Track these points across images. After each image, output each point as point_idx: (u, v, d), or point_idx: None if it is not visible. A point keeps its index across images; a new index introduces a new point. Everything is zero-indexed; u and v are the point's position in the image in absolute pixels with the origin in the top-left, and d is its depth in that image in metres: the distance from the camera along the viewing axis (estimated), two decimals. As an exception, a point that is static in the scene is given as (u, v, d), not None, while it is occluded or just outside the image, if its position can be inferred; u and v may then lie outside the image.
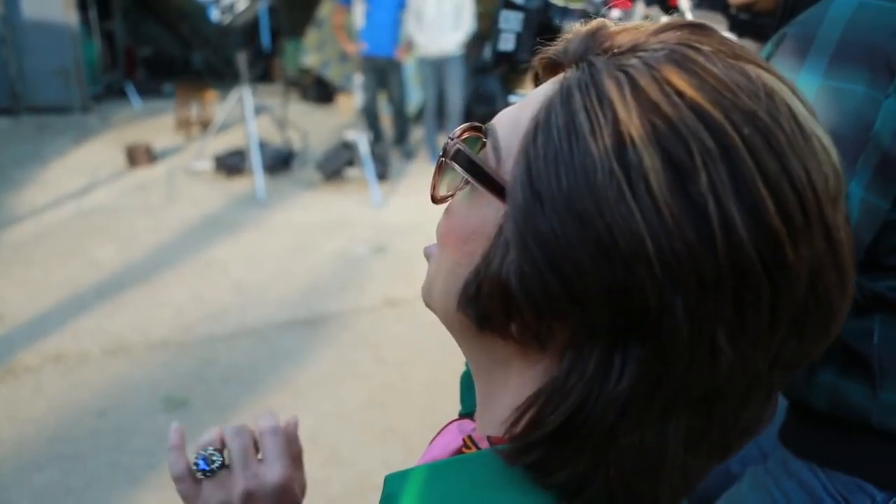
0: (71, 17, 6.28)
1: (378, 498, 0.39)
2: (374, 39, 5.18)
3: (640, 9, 1.09)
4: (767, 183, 0.30)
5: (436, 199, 0.43)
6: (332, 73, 7.38)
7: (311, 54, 7.44)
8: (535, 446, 0.34)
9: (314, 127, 6.11)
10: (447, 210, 0.41)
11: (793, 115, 0.32)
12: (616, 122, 0.31)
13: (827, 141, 0.33)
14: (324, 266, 3.56)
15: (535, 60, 0.39)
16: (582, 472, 0.33)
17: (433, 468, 0.38)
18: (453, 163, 0.38)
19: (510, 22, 1.10)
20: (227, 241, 3.81)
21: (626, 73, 0.32)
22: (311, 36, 7.42)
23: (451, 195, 0.42)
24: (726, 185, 0.29)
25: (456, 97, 5.51)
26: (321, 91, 7.68)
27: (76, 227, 3.84)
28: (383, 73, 5.41)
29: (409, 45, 5.48)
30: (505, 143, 0.36)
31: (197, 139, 5.66)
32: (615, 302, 0.31)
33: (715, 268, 0.30)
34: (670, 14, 1.05)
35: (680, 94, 0.31)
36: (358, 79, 5.12)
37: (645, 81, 0.31)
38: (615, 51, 0.34)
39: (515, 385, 0.37)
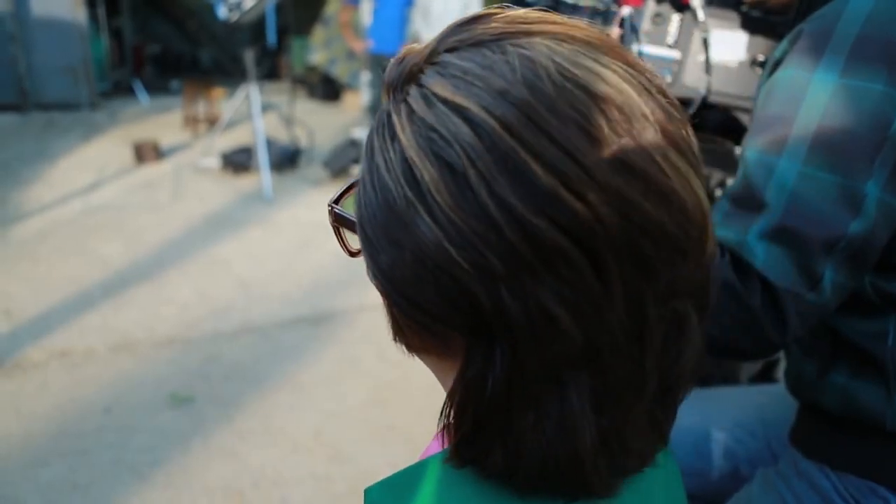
0: (79, 15, 6.30)
1: None
2: (380, 37, 5.18)
3: (651, 6, 1.08)
4: (529, 150, 0.31)
5: (353, 254, 0.48)
6: (339, 71, 7.39)
7: (318, 52, 7.44)
8: (461, 448, 0.38)
9: (321, 124, 6.11)
10: None
11: (550, 70, 0.33)
12: (401, 150, 0.34)
13: (615, 72, 0.34)
14: (329, 264, 3.56)
15: (383, 86, 0.42)
16: (502, 458, 0.36)
17: (404, 473, 0.41)
18: (338, 225, 0.45)
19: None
20: (233, 239, 3.81)
21: (406, 103, 0.36)
22: (318, 33, 7.42)
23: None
24: (493, 170, 0.32)
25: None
26: (328, 88, 7.68)
27: (83, 224, 3.85)
28: (390, 71, 5.41)
29: (416, 43, 5.48)
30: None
31: (204, 136, 5.67)
32: (457, 307, 0.34)
33: (512, 249, 0.32)
34: (682, 12, 1.04)
35: (442, 100, 0.34)
36: (365, 76, 5.13)
37: (416, 103, 0.35)
38: (413, 72, 0.37)
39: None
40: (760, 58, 1.00)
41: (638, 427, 0.37)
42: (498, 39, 0.35)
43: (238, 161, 4.89)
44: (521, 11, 0.38)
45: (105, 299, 2.99)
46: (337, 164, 4.91)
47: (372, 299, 3.14)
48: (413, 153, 0.34)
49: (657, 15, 1.07)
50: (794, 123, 0.66)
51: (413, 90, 0.36)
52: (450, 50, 0.37)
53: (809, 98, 0.66)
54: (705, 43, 0.99)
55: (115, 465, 1.98)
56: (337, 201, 0.46)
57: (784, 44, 0.73)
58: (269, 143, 4.85)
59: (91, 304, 2.94)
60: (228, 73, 8.56)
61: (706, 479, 0.99)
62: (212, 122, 5.88)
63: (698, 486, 0.98)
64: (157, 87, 7.64)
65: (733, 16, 1.02)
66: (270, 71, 8.42)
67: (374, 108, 5.37)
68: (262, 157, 4.58)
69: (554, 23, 0.36)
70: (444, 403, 0.38)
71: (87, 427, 2.14)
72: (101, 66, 7.07)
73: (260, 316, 2.94)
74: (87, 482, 1.91)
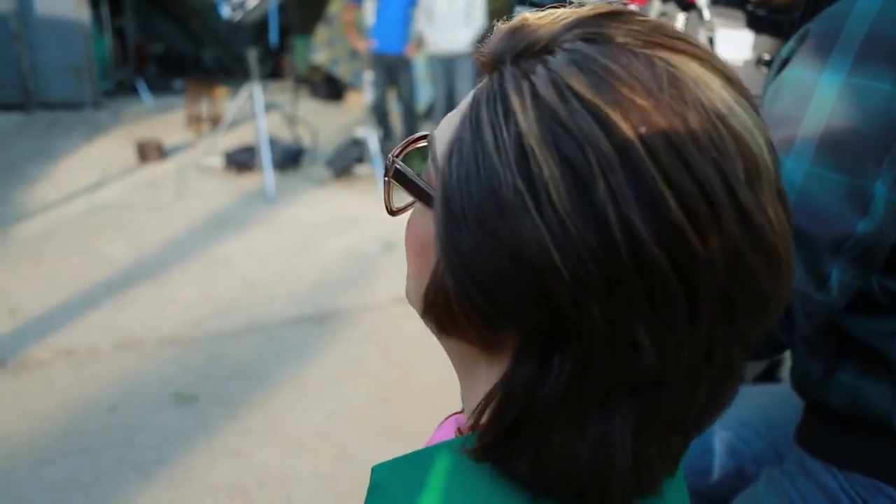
0: (83, 14, 6.31)
1: None
2: (384, 36, 5.17)
3: (657, 6, 1.07)
4: (667, 179, 0.30)
5: (392, 212, 0.45)
6: (342, 70, 7.39)
7: (321, 51, 7.45)
8: (492, 446, 0.36)
9: (324, 124, 6.11)
10: (408, 220, 0.43)
11: (699, 102, 0.31)
12: (518, 135, 0.32)
13: (748, 120, 0.33)
14: (332, 263, 3.56)
15: (476, 61, 0.39)
16: (533, 463, 0.35)
17: (414, 456, 0.40)
18: (395, 181, 0.40)
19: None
20: (237, 238, 3.82)
21: (529, 81, 0.33)
22: (321, 33, 7.43)
23: (409, 206, 0.44)
24: (624, 188, 0.30)
25: (466, 94, 5.50)
26: (331, 88, 7.69)
27: (86, 223, 3.85)
28: (393, 70, 5.40)
29: (420, 42, 5.47)
30: (441, 155, 0.38)
31: (207, 136, 5.67)
32: (536, 309, 0.32)
33: (621, 270, 0.31)
34: (688, 11, 1.04)
35: (579, 97, 0.31)
36: (368, 76, 5.12)
37: (545, 89, 0.32)
38: (533, 49, 0.34)
39: (484, 382, 0.38)
40: (766, 57, 1.00)
41: (666, 455, 0.37)
42: (642, 46, 0.33)
43: (241, 160, 4.89)
44: (656, 20, 0.35)
45: (109, 298, 2.99)
46: (340, 164, 4.91)
47: (375, 299, 3.14)
48: (534, 142, 0.31)
49: (663, 14, 1.07)
50: (801, 123, 0.66)
51: (540, 71, 0.33)
52: (586, 40, 0.33)
53: (817, 98, 0.66)
54: (711, 42, 0.99)
55: (119, 463, 1.99)
56: (399, 154, 0.42)
57: (791, 43, 0.72)
58: (272, 143, 4.85)
59: (95, 303, 2.94)
60: (231, 73, 8.57)
61: (711, 477, 0.99)
62: (215, 121, 5.89)
63: (703, 485, 0.98)
64: (161, 87, 7.65)
65: (739, 15, 1.02)
66: (273, 70, 8.43)
67: (376, 108, 5.36)
68: (266, 157, 4.59)
69: (695, 45, 0.34)
70: (478, 404, 0.37)
71: (92, 426, 2.14)
72: (104, 66, 7.09)
73: (263, 315, 2.94)
74: (92, 480, 1.91)
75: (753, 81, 1.00)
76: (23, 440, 2.06)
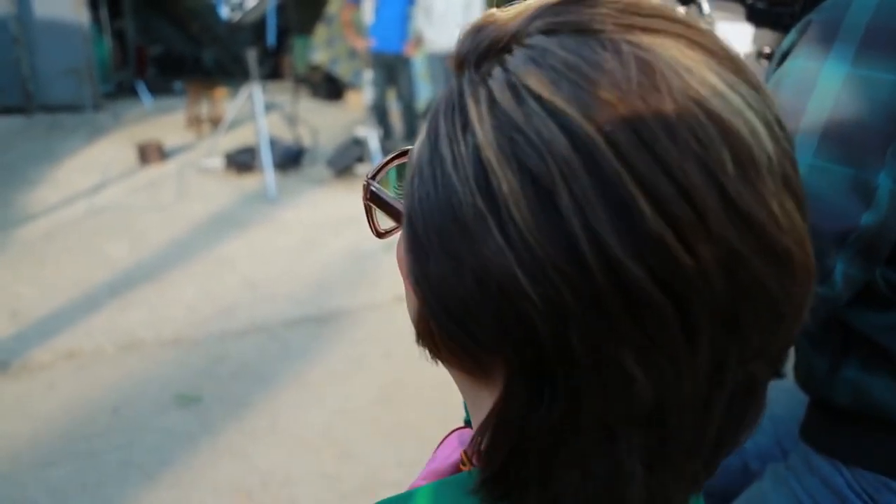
0: (82, 17, 6.32)
1: (390, 494, 0.39)
2: (382, 35, 5.17)
3: (656, -1, 1.07)
4: (639, 182, 0.26)
5: (380, 235, 0.43)
6: (342, 70, 7.38)
7: (320, 51, 7.44)
8: (491, 483, 0.33)
9: (324, 123, 6.11)
10: (397, 242, 0.41)
11: (675, 89, 0.27)
12: (476, 147, 0.29)
13: (738, 101, 0.28)
14: (334, 262, 3.56)
15: (449, 64, 0.35)
16: (539, 499, 0.32)
17: (416, 494, 0.37)
18: (371, 203, 0.39)
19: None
20: (238, 238, 3.82)
21: (486, 87, 0.30)
22: (320, 32, 7.42)
23: (394, 229, 0.42)
24: (590, 196, 0.26)
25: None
26: (331, 88, 7.68)
27: (88, 225, 3.86)
28: (392, 69, 5.40)
29: (418, 41, 5.47)
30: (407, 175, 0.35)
31: (207, 137, 5.68)
32: (511, 337, 0.29)
33: (596, 292, 0.27)
34: (687, 5, 1.03)
35: (537, 97, 0.28)
36: (367, 75, 5.12)
37: (501, 93, 0.29)
38: (496, 48, 0.31)
39: (486, 407, 0.36)
40: (766, 50, 0.99)
41: (683, 482, 0.34)
42: (609, 31, 0.29)
43: (241, 161, 4.89)
44: None
45: (111, 300, 3.00)
46: (340, 163, 4.91)
47: (377, 298, 3.14)
48: (491, 154, 0.28)
49: (662, 8, 1.06)
50: (803, 115, 0.65)
51: (497, 73, 0.30)
52: (546, 32, 0.30)
53: (819, 89, 0.65)
54: (711, 36, 0.98)
55: (123, 465, 1.99)
56: (374, 176, 0.39)
57: (792, 34, 0.72)
58: (273, 143, 4.85)
59: (97, 304, 2.94)
60: (231, 74, 8.56)
61: (715, 474, 0.98)
62: (215, 122, 5.89)
63: (707, 482, 0.98)
64: (160, 88, 7.66)
65: (738, 8, 1.01)
66: (273, 70, 8.42)
67: (376, 107, 5.36)
68: (266, 157, 4.59)
69: (674, 21, 0.30)
70: (476, 431, 0.34)
71: (95, 427, 2.15)
72: (104, 68, 7.09)
73: (266, 315, 2.94)
74: (96, 482, 1.92)
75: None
76: (26, 442, 2.06)
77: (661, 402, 0.29)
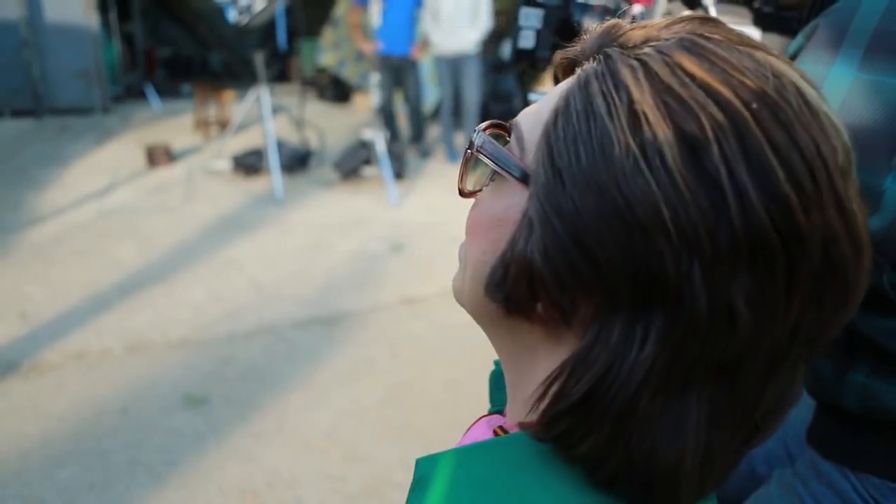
0: (92, 20, 6.36)
1: (396, 495, 0.39)
2: (389, 38, 5.18)
3: (663, 4, 1.07)
4: (777, 152, 0.31)
5: (463, 193, 0.44)
6: (349, 73, 7.40)
7: (327, 54, 7.47)
8: (559, 417, 0.35)
9: (331, 126, 6.13)
10: (475, 203, 0.43)
11: (800, 93, 0.33)
12: (631, 102, 0.32)
13: (835, 119, 0.34)
14: (341, 264, 3.57)
15: (555, 62, 0.40)
16: (604, 443, 0.34)
17: (464, 451, 0.39)
18: (480, 154, 0.40)
19: (530, 19, 1.09)
20: (245, 241, 3.83)
21: (640, 60, 0.34)
22: (328, 35, 7.45)
23: (479, 190, 0.44)
24: (737, 156, 0.30)
25: (472, 95, 5.50)
26: (338, 90, 7.71)
27: (97, 227, 3.88)
28: (399, 72, 5.41)
29: (425, 44, 5.48)
30: (528, 136, 0.38)
31: (215, 139, 5.70)
32: (635, 271, 0.32)
33: (730, 235, 0.31)
34: (694, 9, 1.03)
35: (691, 75, 0.32)
36: (374, 78, 5.12)
37: (657, 66, 0.33)
38: (632, 42, 0.36)
39: (543, 369, 0.38)
40: (774, 54, 0.99)
41: (730, 453, 0.36)
42: (743, 45, 0.34)
43: (249, 163, 4.91)
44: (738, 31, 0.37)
45: (120, 301, 3.01)
46: (347, 166, 4.92)
47: (384, 300, 3.15)
48: (649, 111, 0.32)
49: (668, 13, 1.06)
50: None
51: (651, 52, 0.34)
52: (691, 33, 0.35)
53: (826, 93, 0.65)
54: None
55: (130, 465, 2.00)
56: (486, 129, 0.42)
57: (799, 38, 0.72)
58: (280, 145, 4.87)
59: (106, 306, 2.96)
60: (239, 76, 8.61)
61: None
62: (223, 124, 5.92)
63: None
64: (169, 91, 7.70)
65: (745, 12, 1.01)
66: (280, 73, 8.46)
67: (383, 110, 5.37)
68: (273, 159, 4.61)
69: (777, 53, 0.36)
70: (543, 383, 0.36)
71: (103, 428, 2.16)
72: (113, 71, 7.14)
73: (273, 317, 2.95)
74: (104, 482, 1.93)
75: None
76: (35, 442, 2.08)
77: (746, 351, 0.32)
